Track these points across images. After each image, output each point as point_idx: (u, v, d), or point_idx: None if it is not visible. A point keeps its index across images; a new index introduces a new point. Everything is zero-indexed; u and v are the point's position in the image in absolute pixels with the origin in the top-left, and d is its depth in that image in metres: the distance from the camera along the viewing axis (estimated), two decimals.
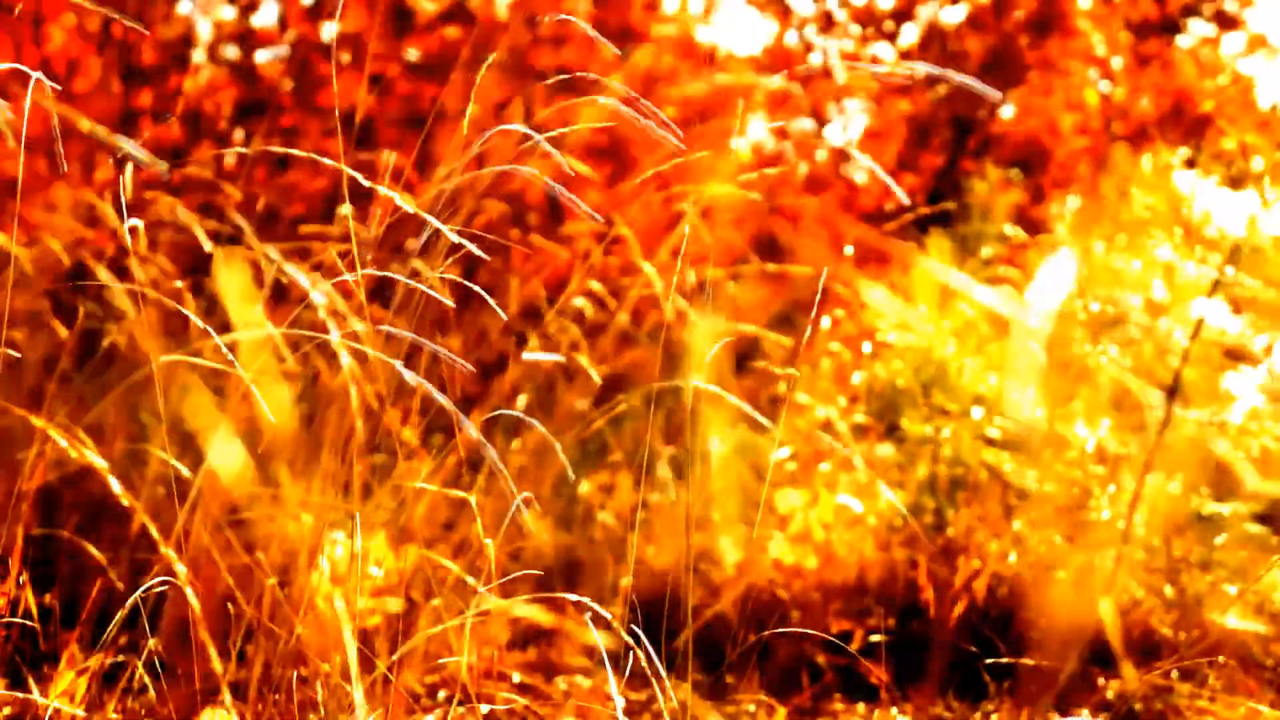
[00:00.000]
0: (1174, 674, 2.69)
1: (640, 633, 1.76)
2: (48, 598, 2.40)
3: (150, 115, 5.60)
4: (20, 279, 2.77)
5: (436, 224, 1.69)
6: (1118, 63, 7.20)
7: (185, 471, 2.19)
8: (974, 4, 7.17)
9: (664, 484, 3.51)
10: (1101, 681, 2.74)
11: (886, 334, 3.43)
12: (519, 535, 2.92)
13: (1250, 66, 7.23)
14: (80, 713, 2.06)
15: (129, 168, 2.30)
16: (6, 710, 2.14)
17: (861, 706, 2.79)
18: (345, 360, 1.86)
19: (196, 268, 3.02)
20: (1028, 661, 2.65)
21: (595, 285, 3.23)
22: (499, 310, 1.67)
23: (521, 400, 3.28)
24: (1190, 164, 3.17)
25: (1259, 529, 3.03)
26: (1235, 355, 2.99)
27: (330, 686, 2.04)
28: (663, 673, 1.74)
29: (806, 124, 7.33)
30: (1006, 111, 7.21)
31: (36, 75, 1.71)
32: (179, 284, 2.77)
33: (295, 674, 2.05)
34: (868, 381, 3.45)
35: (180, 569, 1.95)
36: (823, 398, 3.45)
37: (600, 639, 1.72)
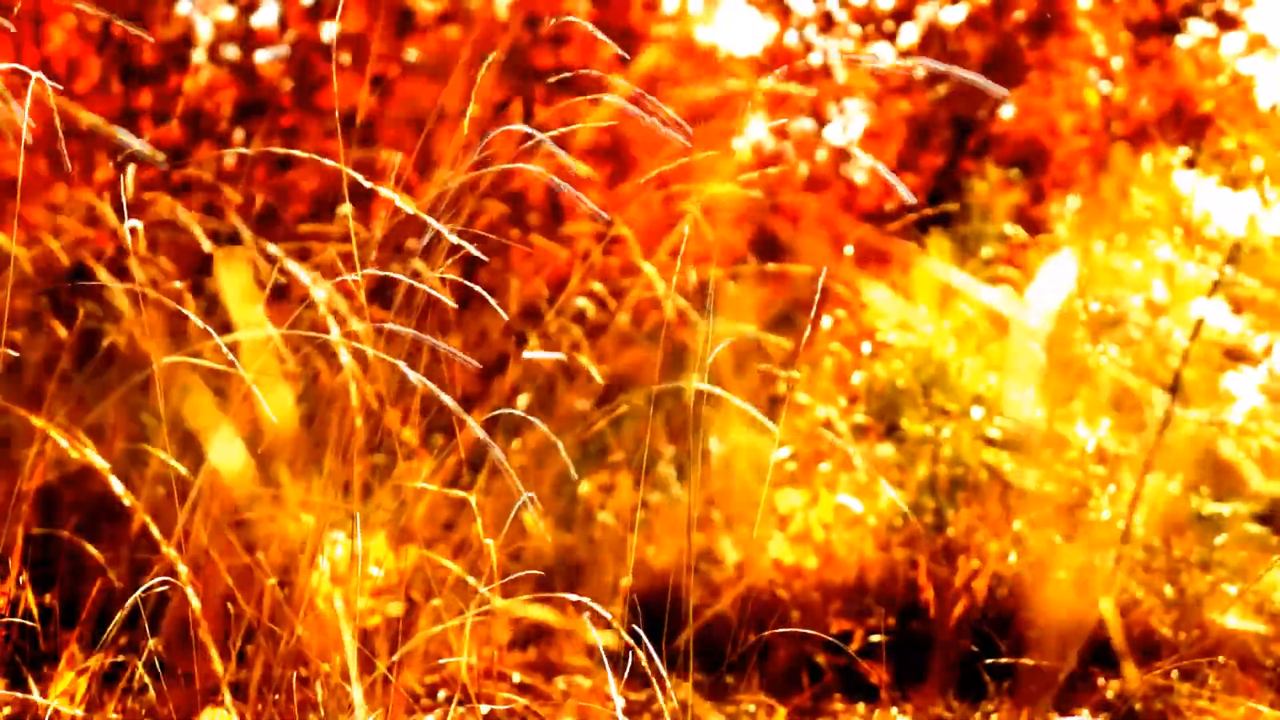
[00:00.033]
0: (1174, 674, 2.69)
1: (641, 632, 1.76)
2: (48, 598, 2.40)
3: (150, 115, 5.59)
4: (20, 279, 2.77)
5: (436, 225, 1.69)
6: (1118, 63, 7.19)
7: (184, 471, 2.19)
8: (974, 4, 7.17)
9: (664, 484, 3.51)
10: (1101, 681, 2.74)
11: (886, 334, 3.43)
12: (519, 535, 2.92)
13: (1250, 66, 7.23)
14: (80, 713, 2.06)
15: (131, 169, 2.31)
16: (6, 710, 2.14)
17: (861, 706, 2.79)
18: (345, 359, 1.86)
19: (196, 267, 3.02)
20: (1028, 661, 2.65)
21: (597, 286, 3.23)
22: (500, 310, 1.67)
23: (522, 400, 3.28)
24: (1190, 164, 3.17)
25: (1259, 529, 3.03)
26: (1235, 355, 2.99)
27: (330, 687, 2.04)
28: (663, 672, 1.74)
29: (807, 124, 7.33)
30: (1006, 111, 7.21)
31: (36, 75, 1.71)
32: (177, 285, 2.77)
33: (295, 674, 2.05)
34: (868, 381, 3.45)
35: (182, 569, 1.95)
36: (823, 398, 3.45)
37: (601, 638, 1.72)
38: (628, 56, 1.90)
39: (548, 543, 3.10)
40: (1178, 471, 3.05)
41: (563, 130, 1.84)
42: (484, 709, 2.15)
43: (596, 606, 1.69)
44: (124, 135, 2.17)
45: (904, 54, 7.19)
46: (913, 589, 3.01)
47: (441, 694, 2.52)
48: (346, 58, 5.81)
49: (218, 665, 1.96)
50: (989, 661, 2.75)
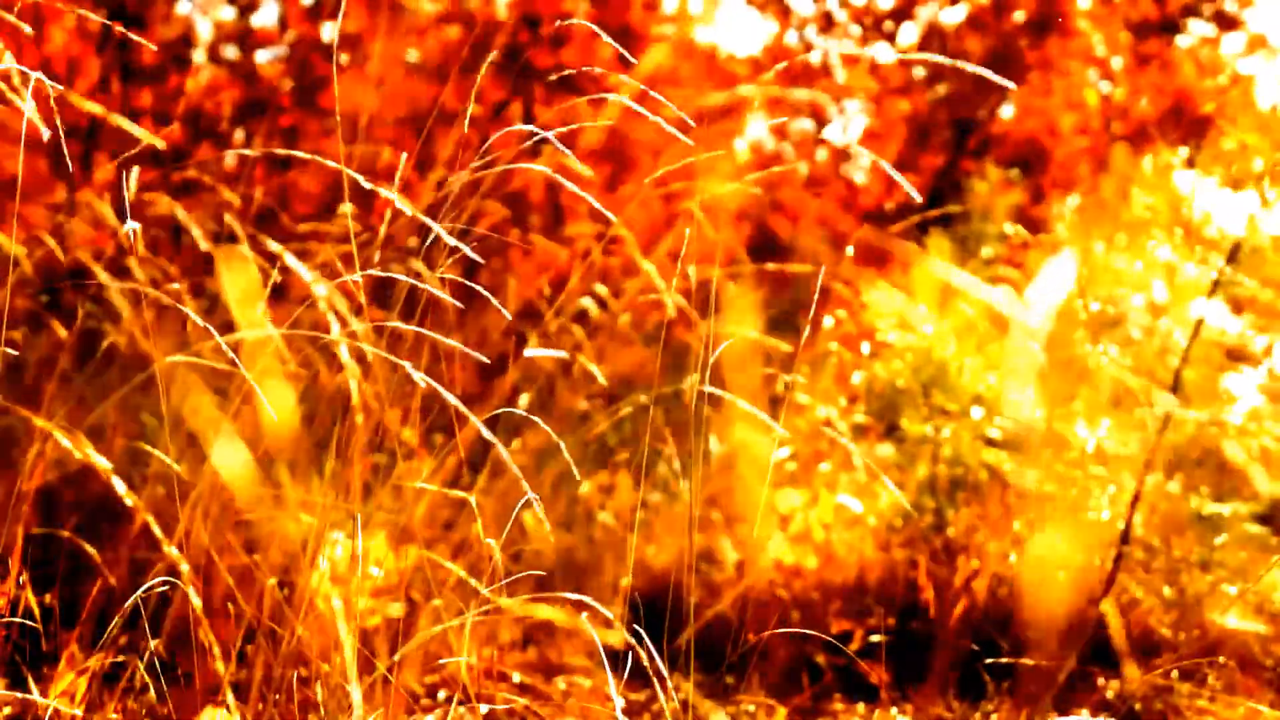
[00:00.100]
0: (1174, 674, 2.69)
1: (641, 632, 1.76)
2: (48, 598, 2.40)
3: (150, 115, 5.59)
4: (20, 279, 2.77)
5: (436, 227, 1.69)
6: (1118, 63, 7.20)
7: (179, 471, 2.19)
8: (974, 4, 7.17)
9: (665, 484, 3.51)
10: (1101, 681, 2.74)
11: (886, 334, 3.43)
12: (520, 536, 2.92)
13: (1250, 66, 7.24)
14: (80, 713, 2.06)
15: (135, 170, 2.31)
16: (6, 710, 2.14)
17: (861, 706, 2.79)
18: (345, 356, 1.86)
19: (196, 267, 3.02)
20: (1028, 661, 2.65)
21: (601, 290, 3.23)
22: (503, 310, 1.67)
23: (523, 400, 3.28)
24: (1190, 164, 3.17)
25: (1259, 529, 3.03)
26: (1235, 355, 3.00)
27: (330, 687, 2.04)
28: (664, 672, 1.74)
29: (806, 124, 7.33)
30: (1006, 112, 7.21)
31: (36, 75, 1.71)
32: (176, 286, 2.77)
33: (296, 674, 2.05)
34: (868, 381, 3.45)
35: (184, 568, 1.95)
36: (823, 398, 3.45)
37: (603, 637, 1.72)
38: (628, 56, 1.90)
39: (549, 543, 3.10)
40: (1178, 471, 3.05)
41: (564, 130, 1.84)
42: (484, 709, 2.15)
43: (598, 605, 1.69)
44: (122, 121, 2.17)
45: (904, 54, 7.19)
46: (913, 589, 3.01)
47: (441, 694, 2.52)
48: (346, 57, 5.81)
49: (219, 665, 1.96)
50: (989, 661, 2.75)
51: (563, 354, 2.15)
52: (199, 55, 5.96)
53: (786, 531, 3.14)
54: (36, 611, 2.24)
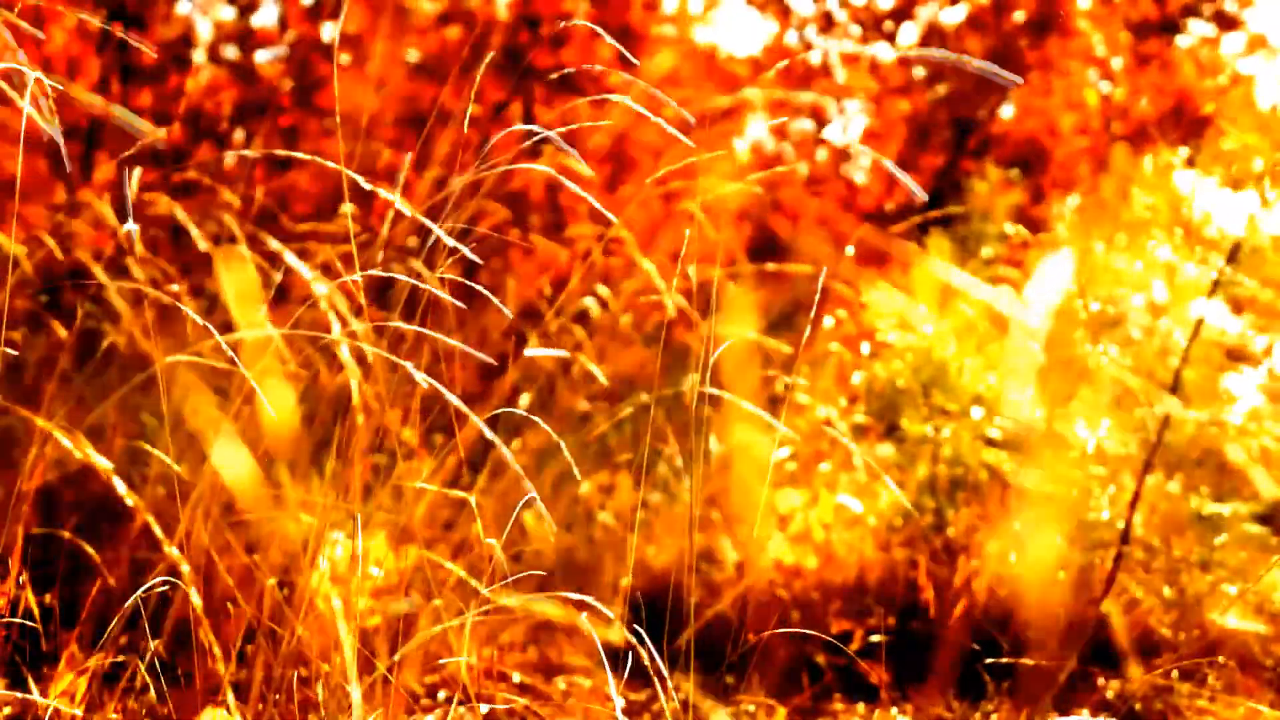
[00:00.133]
0: (1174, 674, 2.69)
1: (642, 632, 1.76)
2: (48, 598, 2.40)
3: (151, 115, 5.59)
4: (20, 279, 2.77)
5: (436, 229, 1.69)
6: (1118, 63, 7.20)
7: (179, 471, 2.19)
8: (974, 4, 7.17)
9: (665, 484, 3.51)
10: (1101, 681, 2.74)
11: (886, 334, 3.43)
12: (520, 536, 2.92)
13: (1250, 66, 7.24)
14: (80, 713, 2.06)
15: (137, 171, 2.31)
16: (6, 710, 2.14)
17: (861, 706, 2.79)
18: (345, 357, 1.86)
19: (196, 268, 3.02)
20: (1028, 661, 2.65)
21: (602, 291, 3.23)
22: (504, 309, 1.67)
23: (523, 400, 3.28)
24: (1190, 164, 3.17)
25: (1259, 529, 3.03)
26: (1235, 355, 2.99)
27: (330, 687, 2.04)
28: (664, 672, 1.74)
29: (807, 124, 7.33)
30: (1006, 111, 7.21)
31: (36, 74, 1.71)
32: (176, 286, 2.77)
33: (296, 674, 2.05)
34: (868, 381, 3.45)
35: (185, 568, 1.95)
36: (823, 398, 3.45)
37: (604, 637, 1.72)
38: (628, 56, 1.90)
39: (549, 543, 3.10)
40: (1178, 471, 3.05)
41: (565, 129, 1.84)
42: (484, 709, 2.15)
43: (599, 605, 1.69)
44: (120, 111, 2.17)
45: (904, 52, 7.19)
46: (913, 589, 3.01)
47: (441, 694, 2.52)
48: (346, 57, 5.81)
49: (220, 665, 1.96)
50: (989, 661, 2.75)
51: (563, 354, 2.15)
52: (199, 55, 5.96)
53: (786, 531, 3.14)
54: (36, 611, 2.24)
